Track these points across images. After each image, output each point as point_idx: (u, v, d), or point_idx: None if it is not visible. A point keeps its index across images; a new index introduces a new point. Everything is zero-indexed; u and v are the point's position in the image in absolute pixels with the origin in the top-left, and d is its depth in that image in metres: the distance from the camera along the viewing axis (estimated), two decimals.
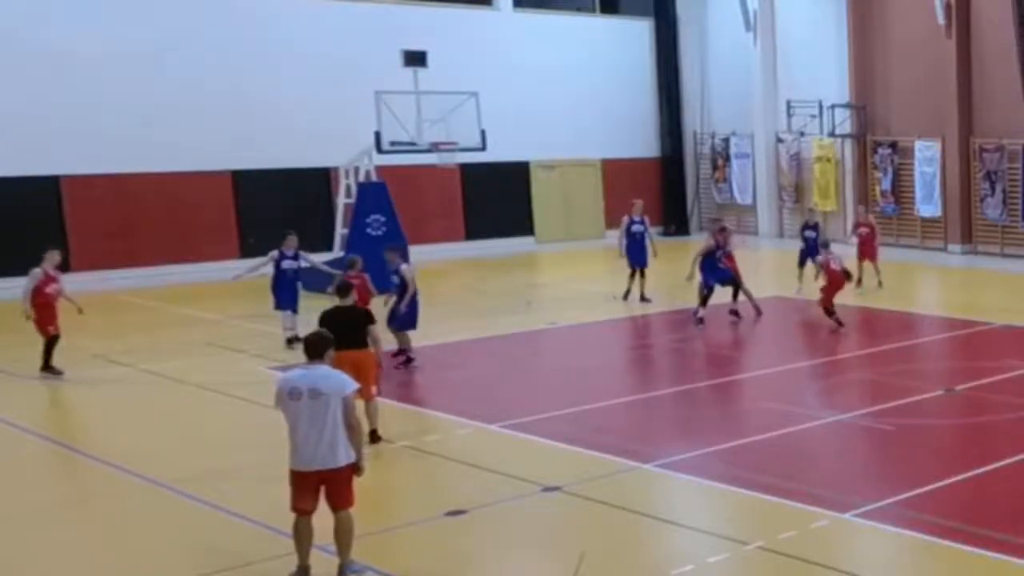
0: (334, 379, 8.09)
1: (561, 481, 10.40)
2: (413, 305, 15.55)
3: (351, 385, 8.15)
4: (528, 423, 12.52)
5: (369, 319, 11.71)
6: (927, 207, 28.99)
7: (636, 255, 20.66)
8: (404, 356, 15.61)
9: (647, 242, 20.68)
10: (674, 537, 9.39)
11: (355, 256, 15.88)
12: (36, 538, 9.50)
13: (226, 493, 10.27)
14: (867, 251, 22.33)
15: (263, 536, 8.29)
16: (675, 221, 34.34)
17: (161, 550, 9.28)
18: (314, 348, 8.21)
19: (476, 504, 9.88)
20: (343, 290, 11.74)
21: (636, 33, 33.77)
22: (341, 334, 11.34)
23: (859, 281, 21.53)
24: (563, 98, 31.10)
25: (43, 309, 15.13)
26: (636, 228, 20.69)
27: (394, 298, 15.50)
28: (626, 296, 20.72)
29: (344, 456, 8.06)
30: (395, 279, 15.55)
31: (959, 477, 10.55)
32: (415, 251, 23.57)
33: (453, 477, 10.89)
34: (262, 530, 8.40)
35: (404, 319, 15.49)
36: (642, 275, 20.68)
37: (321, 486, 8.07)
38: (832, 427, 12.52)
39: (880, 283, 21.82)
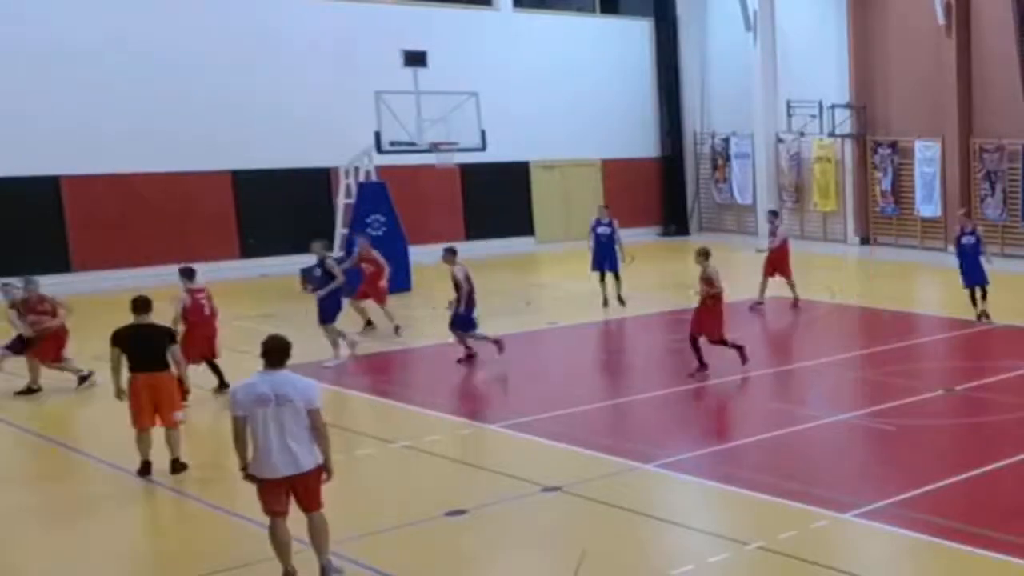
0: (301, 385, 8.03)
1: (561, 481, 10.40)
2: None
3: (318, 390, 8.14)
4: (528, 423, 12.51)
5: (170, 338, 11.13)
6: (927, 207, 28.99)
7: (600, 258, 20.60)
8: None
9: (616, 245, 20.49)
10: (674, 537, 9.39)
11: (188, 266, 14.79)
12: (36, 539, 9.50)
13: (226, 493, 10.27)
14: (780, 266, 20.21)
15: (263, 536, 8.29)
16: (675, 221, 34.35)
17: (161, 550, 9.30)
18: (277, 355, 8.05)
19: (476, 504, 9.88)
20: (138, 307, 10.97)
21: (636, 33, 33.76)
22: (139, 354, 10.70)
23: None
24: (563, 98, 31.09)
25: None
26: (601, 231, 20.60)
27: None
28: (605, 303, 20.51)
29: (311, 460, 8.03)
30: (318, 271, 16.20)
31: (959, 477, 10.55)
32: (415, 251, 23.61)
33: (453, 477, 10.89)
34: (262, 530, 8.40)
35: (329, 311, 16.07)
36: (616, 278, 20.55)
37: (290, 489, 8.04)
38: (832, 427, 12.52)
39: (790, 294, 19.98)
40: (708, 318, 14.90)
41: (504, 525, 9.60)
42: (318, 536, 8.16)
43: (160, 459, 10.86)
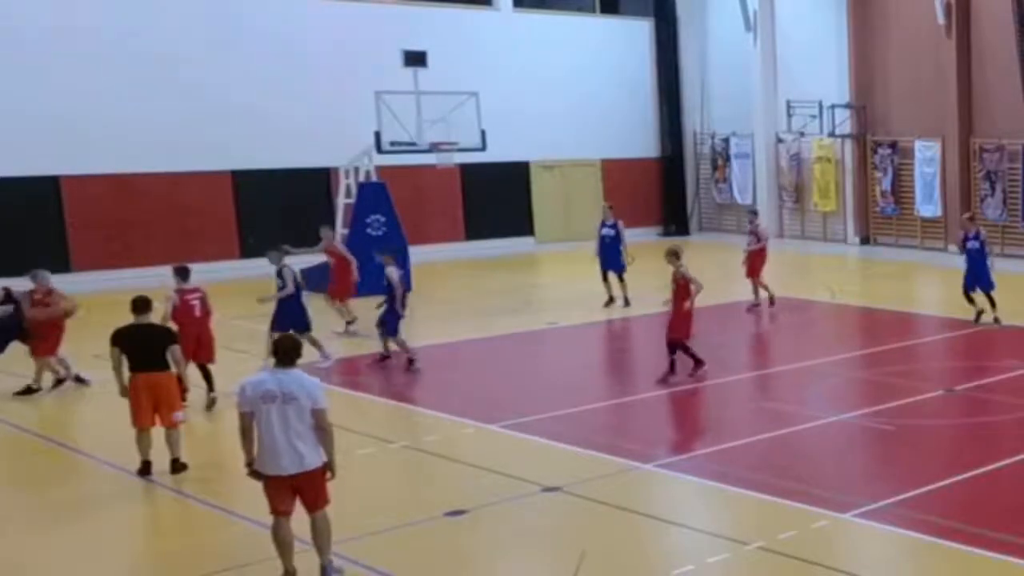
0: (307, 384, 8.06)
1: (561, 481, 10.40)
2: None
3: (323, 390, 8.16)
4: (528, 423, 12.51)
5: (171, 338, 11.11)
6: (927, 207, 29.00)
7: (605, 259, 20.53)
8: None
9: (620, 246, 20.39)
10: (674, 537, 9.39)
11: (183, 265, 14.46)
12: (36, 539, 9.50)
13: (226, 493, 10.28)
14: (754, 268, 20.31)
15: (263, 536, 8.30)
16: (675, 221, 34.36)
17: (161, 550, 9.30)
18: (287, 355, 8.10)
19: (476, 504, 9.88)
20: (138, 307, 10.99)
21: (636, 33, 33.76)
22: (139, 354, 10.74)
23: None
24: (563, 98, 31.10)
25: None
26: (605, 232, 20.49)
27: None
28: (609, 302, 20.43)
29: (316, 458, 8.04)
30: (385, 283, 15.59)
31: (959, 477, 10.55)
32: (415, 251, 23.59)
33: (453, 477, 10.89)
34: (262, 530, 8.41)
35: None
36: (619, 279, 20.47)
37: (295, 488, 8.06)
38: (832, 427, 12.52)
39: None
40: (677, 318, 14.86)
41: (504, 525, 9.60)
42: (320, 536, 8.17)
43: (160, 459, 10.86)
